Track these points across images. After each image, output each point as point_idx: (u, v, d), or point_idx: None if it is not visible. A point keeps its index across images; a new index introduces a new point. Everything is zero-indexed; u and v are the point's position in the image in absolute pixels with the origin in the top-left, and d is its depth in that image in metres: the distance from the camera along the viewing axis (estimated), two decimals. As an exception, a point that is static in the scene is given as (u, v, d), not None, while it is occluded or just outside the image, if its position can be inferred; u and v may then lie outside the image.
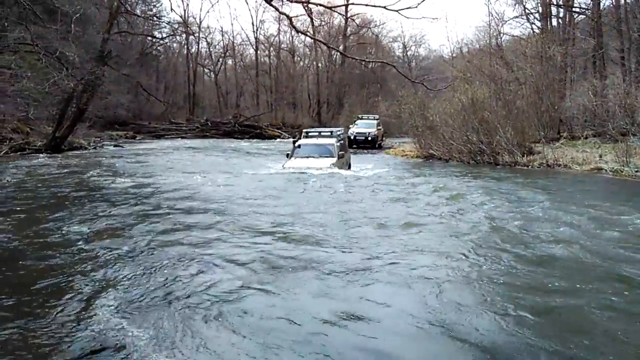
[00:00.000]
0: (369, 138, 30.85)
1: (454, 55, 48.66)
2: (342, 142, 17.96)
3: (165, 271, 5.76)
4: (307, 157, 16.21)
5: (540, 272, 5.80)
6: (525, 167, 18.33)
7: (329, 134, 17.77)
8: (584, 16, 29.51)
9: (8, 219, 8.40)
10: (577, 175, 16.51)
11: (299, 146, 16.90)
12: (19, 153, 21.23)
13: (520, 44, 30.01)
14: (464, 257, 6.37)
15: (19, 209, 9.44)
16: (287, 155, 16.90)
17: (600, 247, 6.77)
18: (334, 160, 16.00)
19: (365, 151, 28.80)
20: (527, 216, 8.81)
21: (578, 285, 5.39)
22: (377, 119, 33.30)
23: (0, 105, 15.32)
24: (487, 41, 36.43)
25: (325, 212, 9.16)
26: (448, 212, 9.20)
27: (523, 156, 19.06)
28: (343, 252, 6.60)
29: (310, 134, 18.08)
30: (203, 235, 7.32)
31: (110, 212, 9.13)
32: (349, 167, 17.79)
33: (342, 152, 17.02)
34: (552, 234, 7.47)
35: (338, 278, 5.56)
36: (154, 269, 5.84)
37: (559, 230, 7.69)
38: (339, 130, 18.70)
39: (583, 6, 29.85)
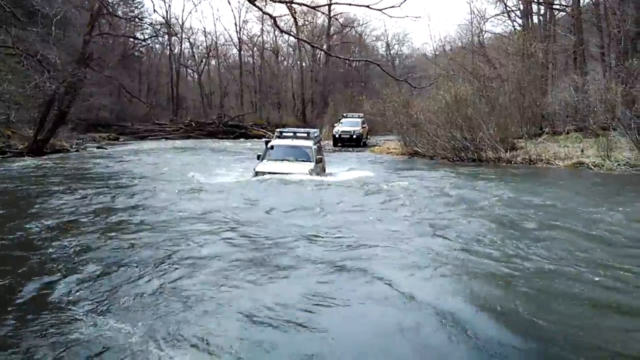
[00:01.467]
0: (354, 136, 30.95)
1: (437, 53, 48.83)
2: (318, 144, 16.48)
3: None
4: (282, 159, 14.60)
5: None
6: (509, 163, 18.54)
7: (306, 135, 15.99)
8: (565, 13, 29.85)
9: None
10: (559, 170, 16.76)
11: (272, 147, 15.17)
12: (0, 156, 20.96)
13: (502, 41, 30.33)
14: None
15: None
16: (259, 157, 15.19)
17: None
18: (312, 165, 14.39)
19: (351, 149, 28.89)
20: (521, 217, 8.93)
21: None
22: (361, 118, 33.40)
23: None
24: (470, 39, 36.74)
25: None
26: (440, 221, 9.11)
27: (506, 152, 19.27)
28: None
29: (284, 134, 16.33)
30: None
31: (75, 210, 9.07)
32: (324, 171, 16.15)
33: (320, 157, 15.52)
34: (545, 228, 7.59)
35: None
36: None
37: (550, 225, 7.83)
38: (315, 132, 17.10)
39: (563, 3, 30.20)
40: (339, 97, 45.99)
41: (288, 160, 14.57)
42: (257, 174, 13.74)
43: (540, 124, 23.70)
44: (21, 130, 25.21)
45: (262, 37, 53.12)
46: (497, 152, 19.24)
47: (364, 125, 32.68)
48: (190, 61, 56.12)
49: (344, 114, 34.53)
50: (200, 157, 22.80)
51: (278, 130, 17.11)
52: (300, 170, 13.87)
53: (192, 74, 57.73)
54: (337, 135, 31.20)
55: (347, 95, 45.84)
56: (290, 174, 13.48)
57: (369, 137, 33.85)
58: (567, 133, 21.75)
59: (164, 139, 37.68)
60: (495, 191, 11.75)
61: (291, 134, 16.03)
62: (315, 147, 15.37)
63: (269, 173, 13.47)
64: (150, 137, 38.73)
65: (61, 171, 16.74)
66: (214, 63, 56.41)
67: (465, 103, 20.75)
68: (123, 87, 38.33)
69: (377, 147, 28.61)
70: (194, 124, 41.58)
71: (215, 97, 53.60)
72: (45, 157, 21.54)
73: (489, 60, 29.27)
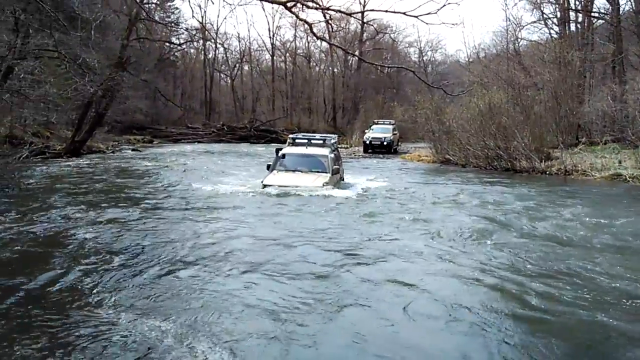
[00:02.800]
0: (385, 143, 30.84)
1: (471, 60, 48.49)
2: (335, 152, 14.92)
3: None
4: (294, 170, 13.25)
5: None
6: (543, 173, 18.19)
7: (321, 142, 14.56)
8: (603, 21, 29.21)
9: (24, 220, 8.55)
10: (595, 182, 16.34)
11: (284, 156, 13.69)
12: (39, 157, 21.54)
13: (538, 49, 29.80)
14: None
15: (40, 212, 9.59)
16: (268, 167, 13.73)
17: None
18: (327, 176, 12.96)
19: (381, 156, 28.79)
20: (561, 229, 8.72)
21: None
22: (392, 124, 33.31)
23: (22, 110, 15.53)
24: (505, 46, 36.25)
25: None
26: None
27: (541, 162, 18.91)
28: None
29: (297, 141, 14.81)
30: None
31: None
32: (342, 180, 14.76)
33: (337, 167, 14.06)
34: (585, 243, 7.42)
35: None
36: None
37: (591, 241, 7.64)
38: (332, 139, 15.37)
39: (602, 11, 29.57)
40: (370, 104, 45.92)
41: (301, 171, 13.22)
42: (264, 187, 12.41)
43: (576, 134, 23.24)
44: (59, 132, 25.92)
45: (295, 43, 53.46)
46: (531, 161, 18.90)
47: (395, 132, 32.55)
48: (223, 66, 56.76)
49: (375, 120, 34.48)
50: (232, 162, 23.03)
51: (291, 136, 15.59)
52: (314, 183, 12.50)
53: (225, 79, 58.39)
54: (367, 142, 31.15)
55: (379, 102, 45.72)
56: (302, 187, 12.19)
57: (399, 144, 33.68)
58: (605, 144, 21.24)
59: (196, 142, 38.22)
60: (538, 204, 11.40)
61: (305, 141, 14.59)
62: (332, 156, 13.98)
63: (279, 186, 12.21)
64: (183, 140, 39.35)
65: (103, 171, 17.18)
66: (247, 68, 56.96)
67: (500, 111, 20.48)
68: (158, 91, 39.08)
69: (407, 154, 28.44)
70: (226, 128, 42.11)
71: (248, 101, 54.07)
72: (82, 158, 22.07)
73: (524, 68, 28.86)
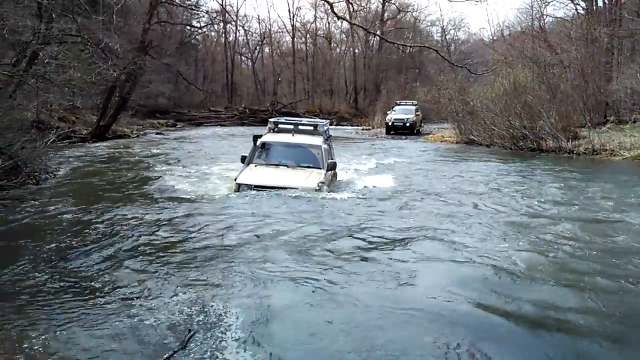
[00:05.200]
0: (407, 124, 30.58)
1: (495, 38, 47.56)
2: (329, 142, 11.90)
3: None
4: (277, 165, 10.30)
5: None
6: (570, 153, 17.88)
7: (312, 128, 11.54)
8: (632, -5, 28.32)
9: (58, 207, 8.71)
10: (624, 161, 15.98)
11: (264, 145, 10.67)
12: (65, 141, 21.84)
13: (564, 25, 29.12)
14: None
15: (69, 196, 9.76)
16: (243, 159, 10.51)
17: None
18: (322, 173, 10.02)
19: (404, 137, 28.59)
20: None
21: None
22: (415, 105, 33.00)
23: (48, 94, 15.74)
24: (530, 23, 35.54)
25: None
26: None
27: (568, 141, 18.59)
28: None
29: (281, 126, 11.66)
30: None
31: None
32: (336, 177, 11.59)
33: (333, 161, 10.83)
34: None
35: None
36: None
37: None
38: (325, 124, 12.21)
39: (631, -15, 28.61)
40: (392, 84, 45.51)
41: (286, 166, 10.30)
42: (239, 187, 9.47)
43: (604, 112, 22.73)
44: (85, 116, 26.24)
45: (315, 24, 53.05)
46: (558, 141, 18.59)
47: (417, 113, 32.25)
48: (244, 48, 56.67)
49: (397, 102, 34.23)
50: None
51: (272, 120, 12.11)
52: (306, 182, 9.52)
53: (246, 61, 58.34)
54: (390, 123, 30.93)
55: (401, 82, 45.37)
56: (289, 188, 9.26)
57: (422, 124, 33.38)
58: (634, 122, 20.75)
59: (219, 126, 38.39)
60: (575, 185, 11.11)
61: (291, 127, 11.49)
62: (326, 146, 11.10)
63: (257, 187, 9.30)
64: (206, 124, 39.57)
65: (132, 154, 17.38)
66: (267, 50, 56.79)
67: (525, 90, 20.17)
68: (180, 75, 39.27)
69: (430, 135, 28.21)
70: (247, 111, 42.23)
71: (269, 84, 54.00)
72: (108, 142, 22.35)
73: (550, 45, 28.23)
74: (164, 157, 16.89)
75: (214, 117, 41.83)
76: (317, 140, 10.91)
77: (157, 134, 29.38)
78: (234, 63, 54.12)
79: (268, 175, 9.74)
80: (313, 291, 4.87)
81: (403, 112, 31.52)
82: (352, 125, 40.56)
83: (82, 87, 16.18)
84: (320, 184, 9.52)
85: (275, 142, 10.85)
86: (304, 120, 12.98)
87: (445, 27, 57.46)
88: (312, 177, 9.72)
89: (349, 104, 49.87)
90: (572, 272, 5.55)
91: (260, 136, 10.97)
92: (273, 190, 9.16)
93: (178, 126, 37.37)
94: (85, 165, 14.67)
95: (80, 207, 8.50)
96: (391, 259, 5.97)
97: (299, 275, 5.28)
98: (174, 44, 40.13)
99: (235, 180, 9.70)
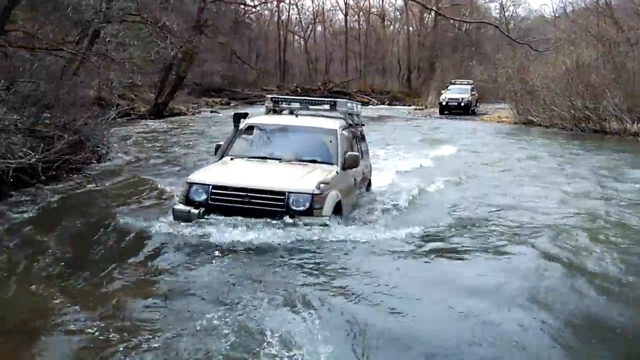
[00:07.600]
0: (462, 104, 29.94)
1: (557, 14, 45.66)
2: (354, 130, 8.09)
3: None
4: (264, 158, 6.92)
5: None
6: (636, 136, 17.08)
7: (328, 106, 7.82)
8: None
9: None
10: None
11: (249, 129, 7.42)
12: (125, 118, 22.55)
13: (632, 1, 27.59)
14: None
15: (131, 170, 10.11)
16: (217, 148, 7.15)
17: None
18: (331, 172, 6.51)
19: (458, 117, 27.98)
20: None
21: None
22: (471, 84, 32.22)
23: (109, 72, 16.26)
24: (595, -1, 33.74)
25: None
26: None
27: (633, 123, 17.75)
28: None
29: (283, 104, 8.29)
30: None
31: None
32: (369, 186, 8.58)
33: (355, 155, 7.08)
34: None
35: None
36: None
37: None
38: (350, 104, 8.37)
39: None
40: (446, 63, 44.48)
41: (278, 160, 6.81)
42: (189, 188, 6.09)
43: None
44: (143, 94, 27.00)
45: (369, 2, 52.35)
46: (622, 123, 17.79)
47: (473, 93, 31.49)
48: (297, 27, 56.63)
49: (452, 80, 33.45)
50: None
51: (270, 97, 8.46)
52: (294, 184, 6.02)
53: (299, 40, 58.34)
54: (444, 103, 30.36)
55: (456, 61, 44.23)
56: (268, 193, 5.93)
57: (478, 104, 32.58)
58: None
59: (271, 104, 38.65)
60: None
61: (297, 105, 8.07)
62: (346, 133, 7.52)
63: (216, 190, 5.98)
64: (258, 102, 39.89)
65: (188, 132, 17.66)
66: (320, 29, 56.56)
67: (588, 69, 19.39)
68: (234, 53, 39.64)
69: (486, 116, 27.53)
70: (299, 90, 42.32)
71: (321, 63, 53.86)
72: (165, 119, 22.91)
73: (615, 22, 26.82)
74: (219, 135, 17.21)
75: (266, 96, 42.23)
76: (333, 124, 7.37)
77: (211, 112, 29.92)
78: (287, 42, 54.22)
79: (241, 173, 6.45)
80: None
81: (458, 91, 30.84)
82: (404, 105, 40.03)
83: (141, 66, 16.59)
84: (321, 186, 5.93)
85: (266, 124, 7.62)
86: (319, 100, 8.54)
87: (504, 3, 55.52)
88: (310, 177, 6.15)
89: (402, 83, 49.19)
90: None
91: (246, 115, 7.65)
92: (239, 202, 5.81)
93: (232, 105, 37.89)
94: (145, 140, 15.13)
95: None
96: None
97: None
98: (228, 23, 40.47)
99: (187, 180, 6.25)
